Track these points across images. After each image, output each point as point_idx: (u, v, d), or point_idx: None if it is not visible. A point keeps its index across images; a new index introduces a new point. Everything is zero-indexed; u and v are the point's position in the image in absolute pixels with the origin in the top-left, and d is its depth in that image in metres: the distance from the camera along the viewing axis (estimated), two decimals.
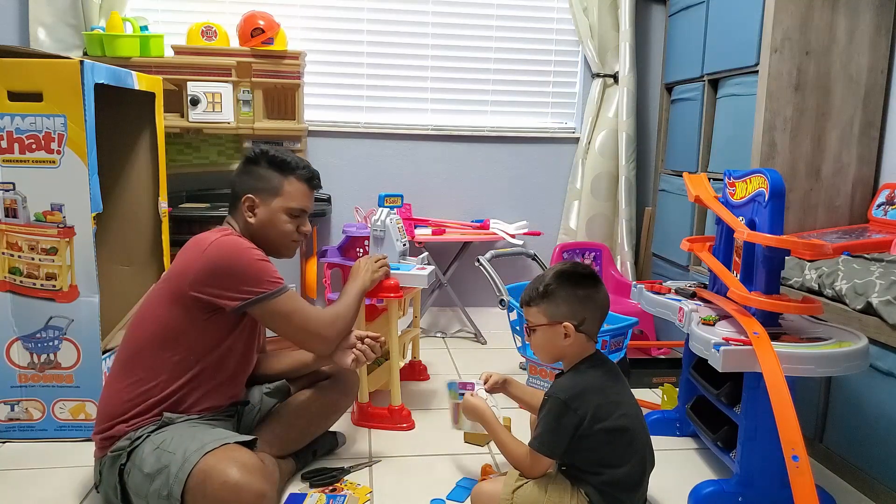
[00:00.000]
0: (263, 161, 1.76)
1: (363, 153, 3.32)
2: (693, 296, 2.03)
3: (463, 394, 1.83)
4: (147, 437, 1.59)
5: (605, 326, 1.79)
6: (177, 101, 2.82)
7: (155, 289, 1.73)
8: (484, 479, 1.70)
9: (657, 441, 1.58)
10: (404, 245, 2.40)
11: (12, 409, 2.08)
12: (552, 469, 1.55)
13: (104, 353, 2.10)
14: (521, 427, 1.94)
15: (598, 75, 3.34)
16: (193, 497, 1.48)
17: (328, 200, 3.20)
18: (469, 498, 1.70)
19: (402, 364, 2.39)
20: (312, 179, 1.81)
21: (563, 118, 3.50)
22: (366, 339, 1.86)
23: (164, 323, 1.64)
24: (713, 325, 1.78)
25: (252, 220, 1.74)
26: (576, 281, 1.54)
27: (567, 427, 1.47)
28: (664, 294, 2.08)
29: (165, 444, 1.55)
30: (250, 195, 1.74)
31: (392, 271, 2.26)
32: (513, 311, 2.49)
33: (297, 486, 1.84)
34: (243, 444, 1.59)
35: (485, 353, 3.12)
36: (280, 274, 1.70)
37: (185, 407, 1.66)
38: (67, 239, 2.02)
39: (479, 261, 2.61)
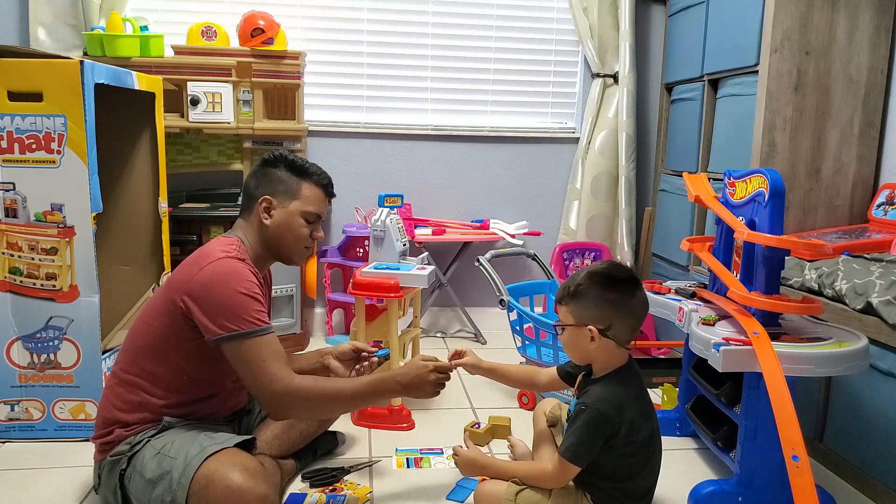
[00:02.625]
0: (282, 164, 1.75)
1: (363, 153, 3.32)
2: (693, 296, 2.03)
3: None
4: (147, 441, 1.58)
5: None
6: (177, 101, 2.81)
7: (155, 296, 1.70)
8: (485, 479, 1.70)
9: None
10: (404, 245, 2.40)
11: (12, 409, 2.08)
12: None
13: (104, 353, 2.10)
14: (524, 427, 1.93)
15: (598, 75, 3.34)
16: (197, 502, 1.47)
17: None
18: (472, 496, 1.70)
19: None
20: (328, 186, 1.81)
21: (563, 118, 3.50)
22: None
23: (160, 335, 1.61)
24: (713, 325, 1.79)
25: (267, 223, 1.72)
26: (608, 284, 1.48)
27: (601, 438, 1.44)
28: (664, 294, 2.08)
29: (166, 449, 1.54)
30: (268, 196, 1.72)
31: (392, 271, 2.26)
32: (513, 311, 2.49)
33: (297, 486, 1.84)
34: (242, 444, 1.58)
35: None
36: (264, 316, 1.58)
37: (184, 415, 1.65)
38: (67, 239, 2.02)
39: (479, 261, 2.61)
